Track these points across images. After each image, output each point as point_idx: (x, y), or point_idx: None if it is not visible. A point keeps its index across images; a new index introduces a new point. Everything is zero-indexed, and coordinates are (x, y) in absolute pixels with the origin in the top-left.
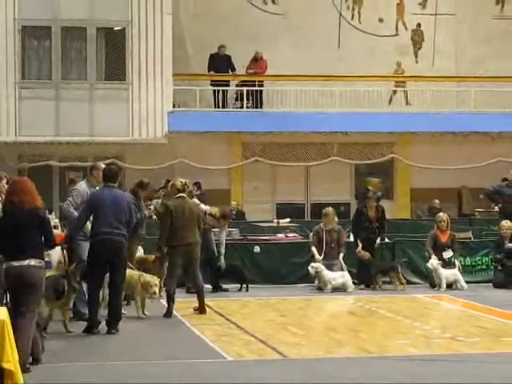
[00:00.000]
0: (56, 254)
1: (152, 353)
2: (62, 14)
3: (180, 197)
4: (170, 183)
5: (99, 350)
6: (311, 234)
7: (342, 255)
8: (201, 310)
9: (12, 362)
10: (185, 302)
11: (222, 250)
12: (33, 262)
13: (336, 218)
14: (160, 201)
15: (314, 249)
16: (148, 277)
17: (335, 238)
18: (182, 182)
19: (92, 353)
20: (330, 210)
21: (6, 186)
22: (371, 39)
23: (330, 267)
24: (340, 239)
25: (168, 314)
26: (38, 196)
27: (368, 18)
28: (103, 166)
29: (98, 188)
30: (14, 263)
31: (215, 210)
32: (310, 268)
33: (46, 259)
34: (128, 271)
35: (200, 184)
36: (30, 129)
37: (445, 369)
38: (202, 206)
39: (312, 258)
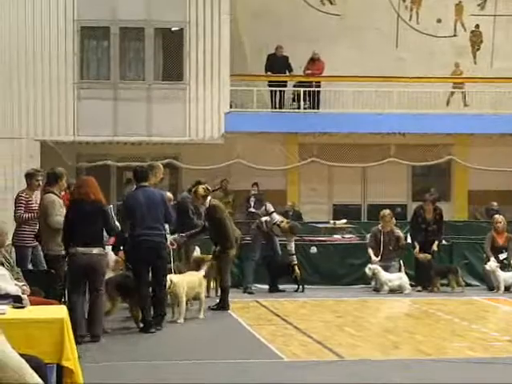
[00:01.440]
0: (112, 254)
1: (207, 352)
2: (121, 14)
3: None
4: (193, 191)
5: (156, 350)
6: (368, 235)
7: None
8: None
9: (72, 361)
10: (241, 303)
11: (294, 261)
12: (97, 250)
13: (394, 220)
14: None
15: (370, 250)
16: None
17: (393, 239)
18: (204, 188)
19: (149, 352)
20: (386, 212)
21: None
22: (429, 40)
23: (386, 269)
24: (399, 243)
25: (224, 307)
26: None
27: (426, 19)
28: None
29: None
30: (81, 249)
31: (284, 224)
32: (366, 269)
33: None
34: (191, 272)
35: (257, 184)
36: (88, 128)
37: (503, 372)
38: (276, 216)
39: (369, 260)
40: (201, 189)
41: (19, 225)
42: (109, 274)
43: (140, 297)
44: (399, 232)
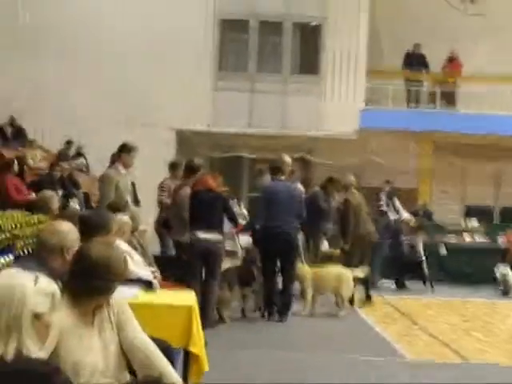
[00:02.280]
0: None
1: (331, 347)
2: (260, 8)
3: (352, 192)
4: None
5: (278, 340)
6: (499, 237)
7: None
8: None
9: (199, 347)
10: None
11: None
12: (215, 237)
13: None
14: None
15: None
16: None
17: None
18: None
19: (269, 342)
20: None
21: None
22: None
23: None
24: None
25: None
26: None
27: None
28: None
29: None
30: (201, 235)
31: (412, 221)
32: (496, 270)
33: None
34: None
35: (389, 181)
36: (223, 119)
37: None
38: (403, 213)
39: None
40: (350, 178)
41: (161, 210)
42: (227, 263)
43: (264, 286)
44: None
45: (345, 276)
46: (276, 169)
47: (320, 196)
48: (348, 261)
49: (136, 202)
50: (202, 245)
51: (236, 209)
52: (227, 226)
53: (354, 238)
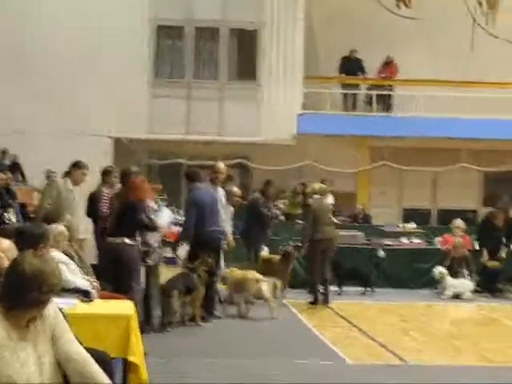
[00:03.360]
0: (182, 251)
1: (270, 351)
2: (196, 14)
3: (318, 197)
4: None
5: (220, 347)
6: (436, 239)
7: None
8: (325, 301)
9: (138, 356)
10: (305, 304)
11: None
12: (121, 240)
13: (463, 225)
14: (287, 201)
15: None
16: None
17: (463, 264)
18: (319, 186)
19: (211, 350)
20: (459, 241)
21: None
22: (505, 45)
23: (454, 275)
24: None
25: (316, 302)
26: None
27: (503, 24)
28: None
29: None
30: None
31: None
32: (435, 271)
33: (171, 255)
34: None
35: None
36: (161, 126)
37: None
38: None
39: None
40: (317, 185)
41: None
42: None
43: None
44: (468, 257)
45: (251, 279)
46: (191, 176)
47: (260, 202)
48: (310, 264)
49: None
50: (112, 249)
51: (174, 216)
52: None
53: (314, 243)
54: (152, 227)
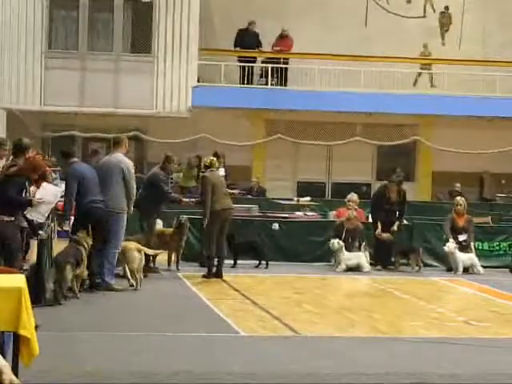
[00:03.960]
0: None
1: (166, 325)
2: None
3: (212, 170)
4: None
5: (113, 321)
6: (331, 212)
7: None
8: (218, 275)
9: (29, 330)
10: (199, 277)
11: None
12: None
13: (356, 198)
14: (181, 175)
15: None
16: None
17: (356, 235)
18: (210, 159)
19: (106, 323)
20: (353, 214)
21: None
22: (398, 20)
23: (347, 248)
24: (361, 232)
25: (209, 275)
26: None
27: (396, 0)
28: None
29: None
30: None
31: None
32: (335, 242)
33: (65, 228)
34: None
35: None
36: (54, 98)
37: (452, 352)
38: None
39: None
40: (207, 159)
41: None
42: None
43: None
44: (361, 228)
45: (127, 248)
46: (67, 153)
47: (160, 177)
48: (207, 236)
49: None
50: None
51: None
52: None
53: (213, 214)
54: (21, 204)
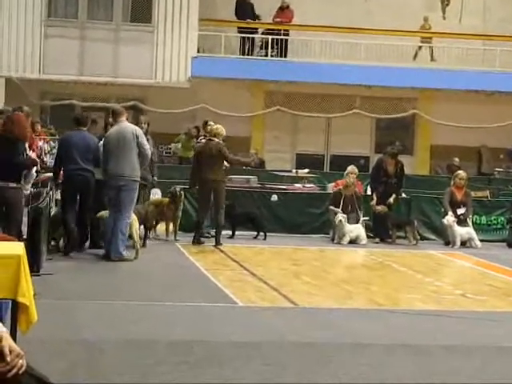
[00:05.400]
0: None
1: (164, 295)
2: None
3: (206, 138)
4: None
5: (111, 290)
6: (329, 185)
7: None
8: (216, 243)
9: (27, 297)
10: (197, 247)
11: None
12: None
13: (356, 171)
14: (180, 145)
15: (332, 207)
16: None
17: (353, 201)
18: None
19: (104, 292)
20: (351, 180)
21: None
22: None
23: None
24: (359, 201)
25: (195, 241)
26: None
27: None
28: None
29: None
30: None
31: None
32: (337, 217)
33: None
34: None
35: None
36: (54, 67)
37: (448, 325)
38: None
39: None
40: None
41: None
42: None
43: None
44: (359, 194)
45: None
46: (79, 121)
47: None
48: (198, 203)
49: None
50: None
51: None
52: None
53: (201, 183)
54: (27, 166)
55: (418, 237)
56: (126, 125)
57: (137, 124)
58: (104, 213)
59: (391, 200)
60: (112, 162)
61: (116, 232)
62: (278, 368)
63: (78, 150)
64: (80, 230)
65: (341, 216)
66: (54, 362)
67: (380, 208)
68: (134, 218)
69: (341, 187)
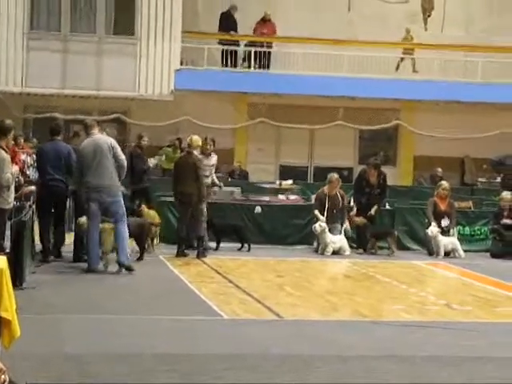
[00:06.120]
0: None
1: (148, 308)
2: None
3: (190, 151)
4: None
5: (95, 304)
6: (313, 196)
7: (345, 225)
8: (198, 255)
9: (10, 312)
10: (182, 259)
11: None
12: None
13: (337, 175)
14: (164, 157)
15: (317, 212)
16: None
17: (337, 203)
18: (189, 139)
19: (88, 306)
20: (334, 176)
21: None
22: (381, 5)
23: (330, 231)
24: (343, 204)
25: (180, 253)
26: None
27: None
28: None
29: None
30: None
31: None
32: (317, 226)
33: None
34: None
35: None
36: (36, 80)
37: (433, 336)
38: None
39: (314, 220)
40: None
41: None
42: None
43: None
44: (343, 193)
45: (103, 229)
46: (53, 130)
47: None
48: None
49: None
50: None
51: None
52: None
53: (178, 196)
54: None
55: (395, 248)
56: (99, 137)
57: (140, 139)
58: (83, 220)
59: (372, 212)
60: (90, 175)
61: (120, 239)
62: (264, 380)
63: (49, 161)
64: (56, 238)
65: (319, 225)
66: (37, 376)
67: (358, 220)
68: (109, 227)
69: (324, 188)
